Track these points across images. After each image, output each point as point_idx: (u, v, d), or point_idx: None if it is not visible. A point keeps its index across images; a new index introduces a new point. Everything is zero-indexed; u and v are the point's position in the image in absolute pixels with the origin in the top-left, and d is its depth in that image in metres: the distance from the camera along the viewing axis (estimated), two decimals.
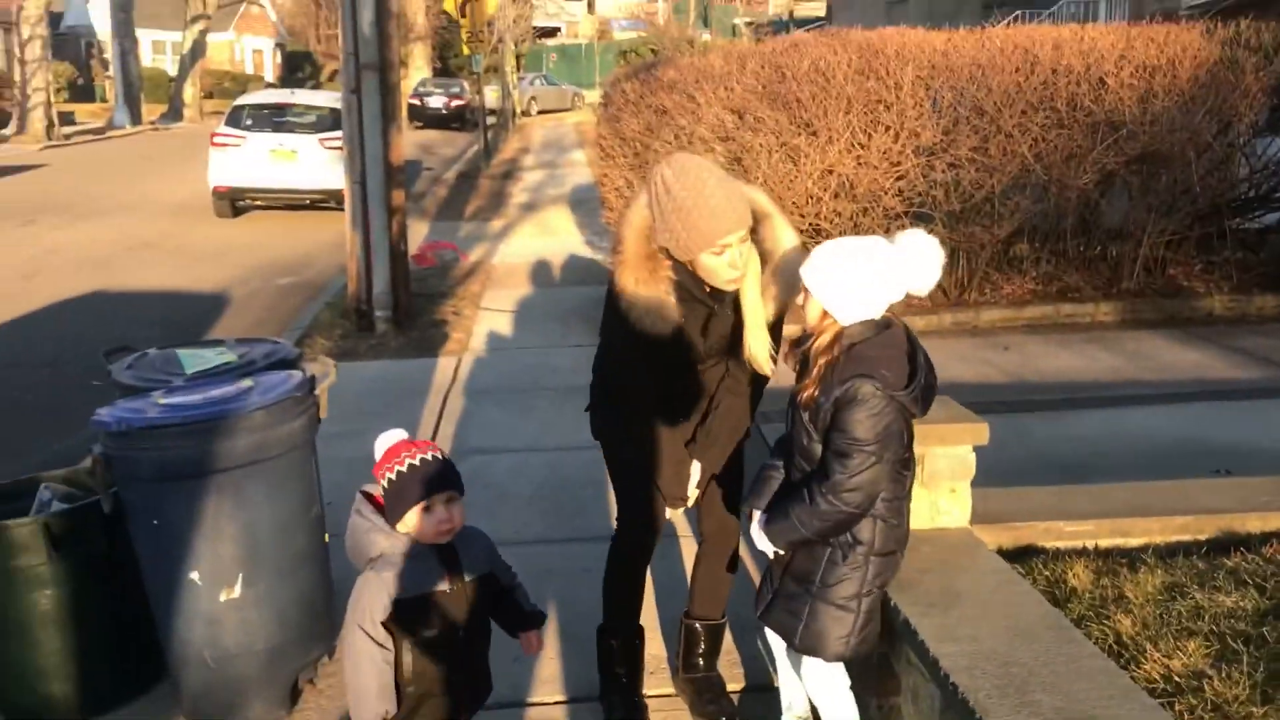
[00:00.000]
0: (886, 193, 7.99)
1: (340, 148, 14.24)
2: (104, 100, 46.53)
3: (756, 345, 2.93)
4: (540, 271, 11.35)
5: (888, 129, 7.82)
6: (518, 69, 40.68)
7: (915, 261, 2.56)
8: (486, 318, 9.22)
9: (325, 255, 12.67)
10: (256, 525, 3.29)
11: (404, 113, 16.89)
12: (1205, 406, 6.21)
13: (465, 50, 23.58)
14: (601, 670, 3.35)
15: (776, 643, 3.02)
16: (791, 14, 60.59)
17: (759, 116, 7.91)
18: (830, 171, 7.89)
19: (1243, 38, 8.22)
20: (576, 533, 4.67)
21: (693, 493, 3.19)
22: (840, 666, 2.80)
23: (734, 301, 2.95)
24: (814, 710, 2.98)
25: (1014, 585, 2.79)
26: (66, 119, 34.56)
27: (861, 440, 2.52)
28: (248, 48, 57.95)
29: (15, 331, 9.19)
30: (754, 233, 2.85)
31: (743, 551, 3.44)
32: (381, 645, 2.47)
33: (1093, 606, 2.78)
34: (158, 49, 51.81)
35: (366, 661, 2.46)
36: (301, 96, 17.44)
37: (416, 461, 2.50)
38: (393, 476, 2.49)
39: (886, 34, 8.50)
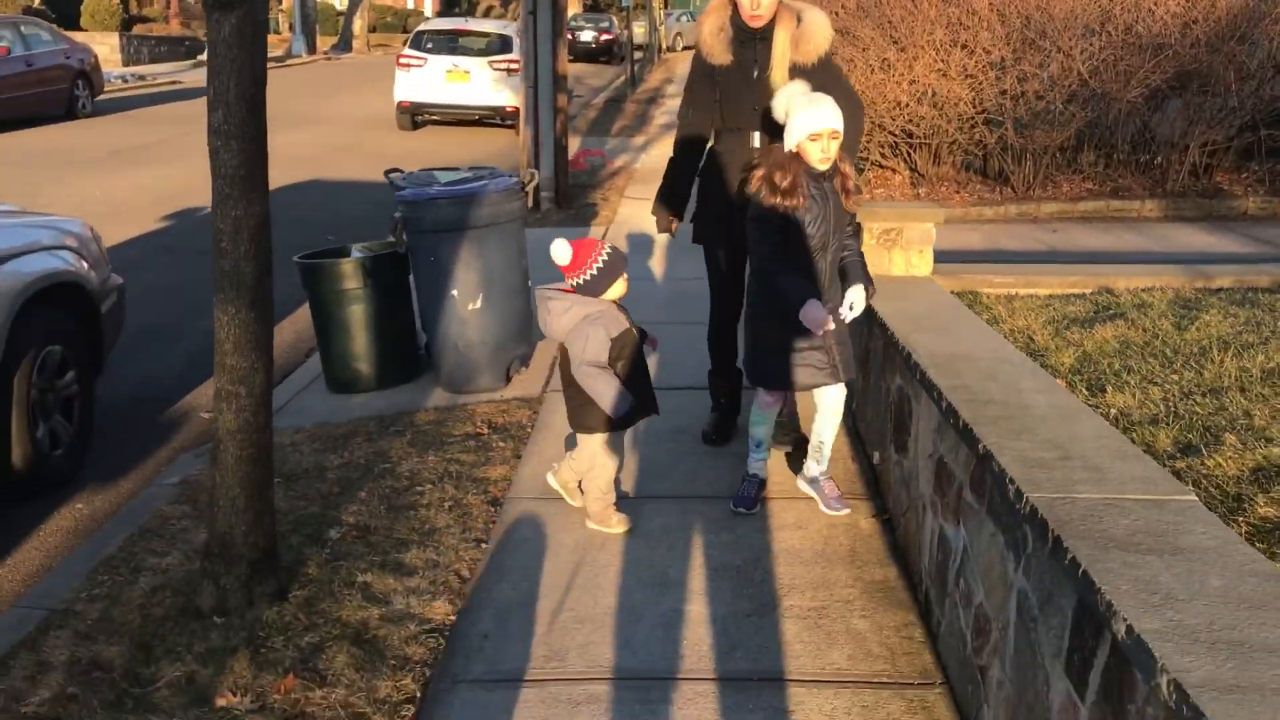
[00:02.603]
0: (963, 101, 9.65)
1: (506, 69, 16.51)
2: (278, 32, 49.94)
3: (779, 73, 4.16)
4: None
5: (964, 46, 9.47)
6: (665, 5, 42.34)
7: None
8: (629, 204, 11.21)
9: (494, 161, 14.84)
10: (491, 264, 5.38)
11: None
12: (1191, 268, 7.80)
13: None
14: (712, 398, 4.97)
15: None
16: None
17: (858, 35, 9.65)
18: (915, 82, 9.60)
19: None
20: (688, 320, 6.65)
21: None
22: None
23: (765, 57, 4.21)
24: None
25: (943, 296, 4.64)
26: None
27: None
28: None
29: None
30: (796, 13, 4.22)
31: None
32: (605, 368, 3.75)
33: (987, 308, 4.63)
34: None
35: (604, 380, 3.73)
36: (474, 24, 19.69)
37: (610, 250, 3.80)
38: (601, 263, 3.75)
39: None
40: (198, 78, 28.72)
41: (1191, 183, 10.15)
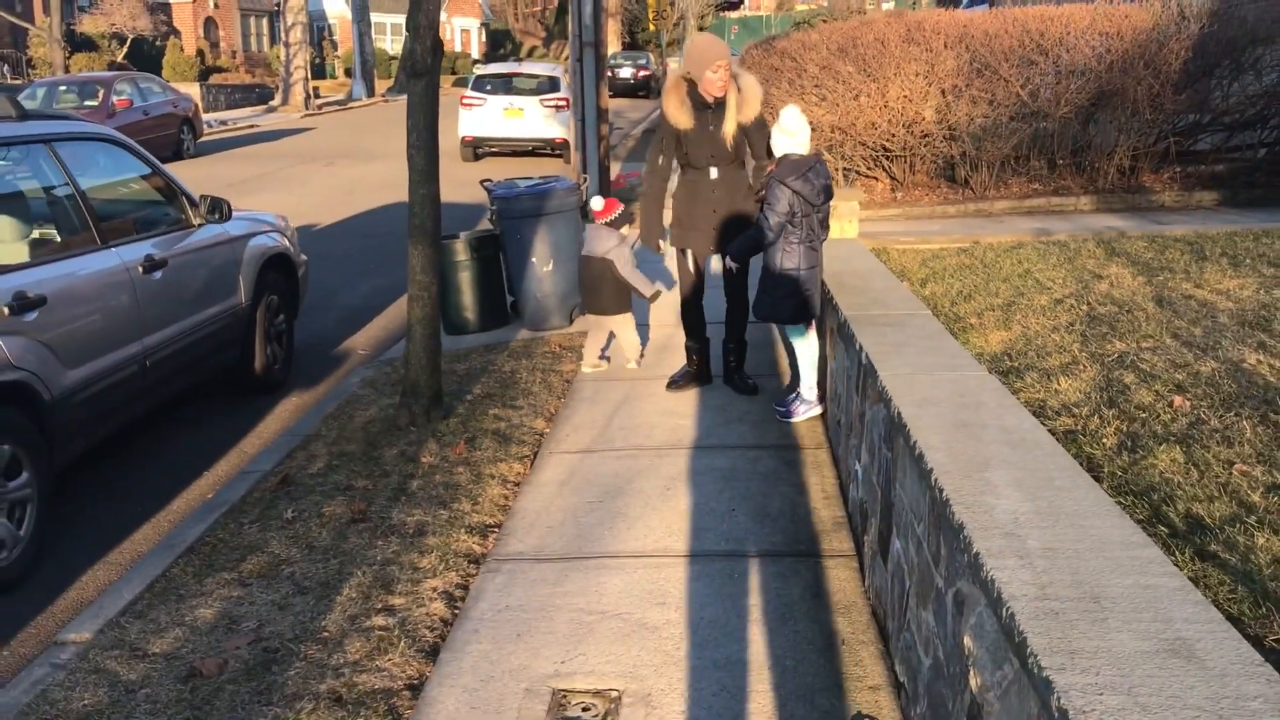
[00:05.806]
0: (924, 120, 12.02)
1: (555, 107, 19.07)
2: (334, 77, 53.29)
3: (729, 127, 5.93)
4: None
5: (924, 77, 11.85)
6: None
7: (788, 121, 6.56)
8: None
9: None
10: (558, 239, 7.83)
11: None
12: (1041, 229, 10.07)
13: (651, 26, 27.94)
14: (687, 358, 7.36)
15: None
16: None
17: (838, 70, 12.07)
18: (888, 106, 11.98)
19: (1183, 10, 11.83)
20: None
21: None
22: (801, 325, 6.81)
23: (719, 118, 6.44)
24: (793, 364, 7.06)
25: (858, 247, 7.00)
26: (314, 93, 40.69)
27: (773, 206, 6.56)
28: (456, 28, 64.19)
29: (356, 221, 14.22)
30: (735, 80, 6.72)
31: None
32: (636, 267, 6.74)
33: (888, 254, 6.98)
34: (379, 30, 58.19)
35: (638, 274, 6.67)
36: (526, 67, 22.36)
37: (622, 205, 6.78)
38: (618, 212, 6.71)
39: (928, 13, 12.46)
40: (273, 122, 31.72)
41: (1120, 182, 12.41)
